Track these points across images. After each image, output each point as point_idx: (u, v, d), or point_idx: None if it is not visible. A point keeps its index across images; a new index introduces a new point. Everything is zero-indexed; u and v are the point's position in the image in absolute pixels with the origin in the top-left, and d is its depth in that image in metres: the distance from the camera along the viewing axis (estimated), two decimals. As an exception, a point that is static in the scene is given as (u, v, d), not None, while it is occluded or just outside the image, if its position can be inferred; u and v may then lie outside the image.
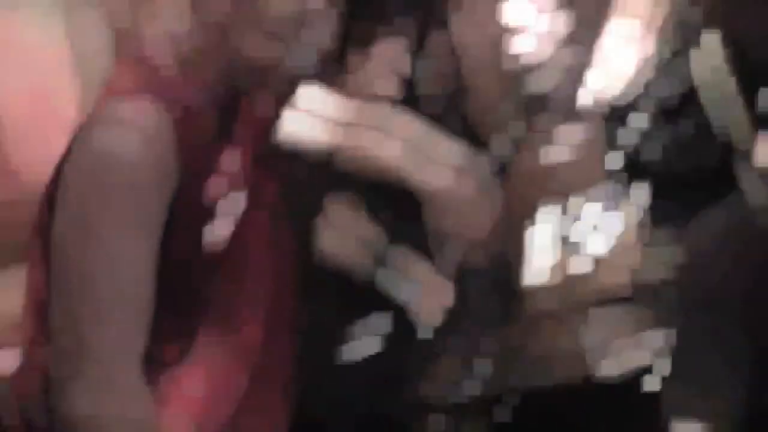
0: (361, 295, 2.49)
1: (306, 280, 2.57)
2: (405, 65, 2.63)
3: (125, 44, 1.96)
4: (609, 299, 2.99)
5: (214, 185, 1.38)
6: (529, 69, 5.05)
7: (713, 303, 1.27)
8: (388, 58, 2.60)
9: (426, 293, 2.36)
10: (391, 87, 2.60)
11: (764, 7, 2.81)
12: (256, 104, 1.45)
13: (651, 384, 2.01)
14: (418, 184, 1.44)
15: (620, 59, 3.13)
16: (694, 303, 1.34)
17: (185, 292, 1.39)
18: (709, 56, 2.85)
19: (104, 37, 1.92)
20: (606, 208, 3.50)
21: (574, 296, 3.14)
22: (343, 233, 2.39)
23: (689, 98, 3.02)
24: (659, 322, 2.00)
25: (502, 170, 3.44)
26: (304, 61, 1.33)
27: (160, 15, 1.39)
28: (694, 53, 2.86)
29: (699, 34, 2.87)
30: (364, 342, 2.49)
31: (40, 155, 1.52)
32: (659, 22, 2.92)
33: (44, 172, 1.40)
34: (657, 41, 2.99)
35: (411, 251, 2.38)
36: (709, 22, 2.83)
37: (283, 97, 1.47)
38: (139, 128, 1.27)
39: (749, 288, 1.23)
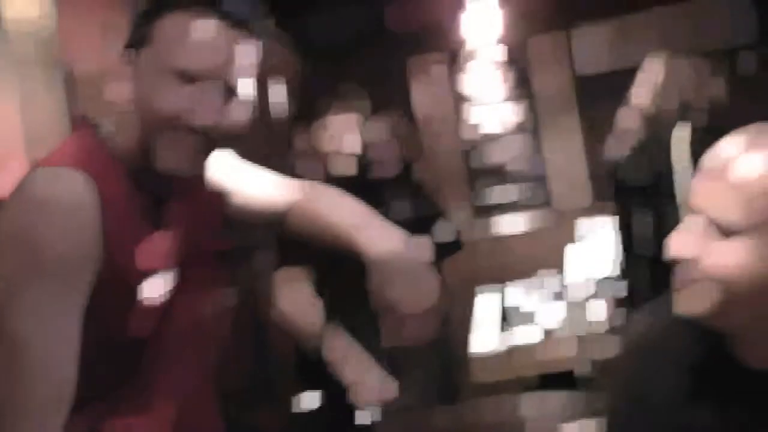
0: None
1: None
2: (356, 144, 2.67)
3: (74, 108, 1.97)
4: (552, 373, 3.05)
5: (142, 264, 1.35)
6: (486, 140, 5.18)
7: (639, 399, 1.30)
8: (341, 134, 2.64)
9: (363, 384, 2.37)
10: (347, 165, 2.64)
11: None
12: (190, 189, 1.45)
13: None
14: (367, 247, 1.44)
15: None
16: (621, 395, 1.37)
17: (106, 368, 1.36)
18: (680, 143, 3.00)
19: (58, 106, 1.91)
20: (553, 290, 3.57)
21: (519, 367, 3.19)
22: (294, 302, 2.41)
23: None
24: (595, 407, 2.02)
25: (458, 238, 3.51)
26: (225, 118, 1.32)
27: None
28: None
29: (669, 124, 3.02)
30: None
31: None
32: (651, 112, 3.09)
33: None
34: (642, 127, 3.14)
35: (353, 338, 2.39)
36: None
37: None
38: (59, 201, 1.23)
39: (671, 389, 1.27)
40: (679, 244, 1.16)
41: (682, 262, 1.16)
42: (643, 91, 3.15)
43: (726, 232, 1.10)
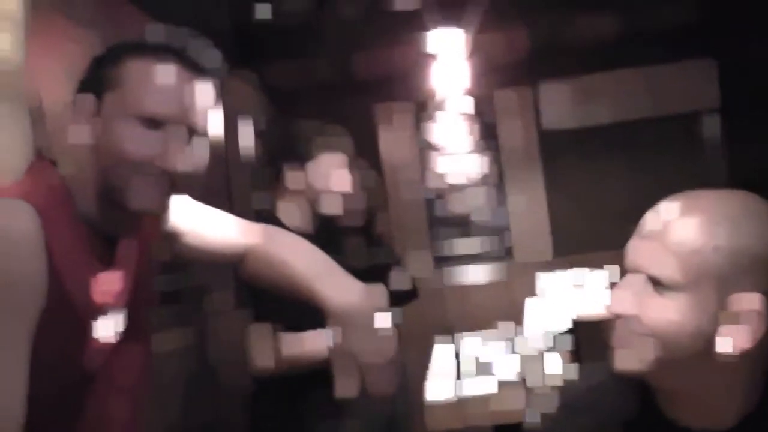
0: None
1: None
2: (347, 181, 2.65)
3: (40, 143, 1.95)
4: (505, 424, 3.07)
5: (95, 301, 1.35)
6: (450, 190, 5.22)
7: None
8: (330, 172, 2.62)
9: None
10: (335, 204, 2.62)
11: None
12: (143, 229, 1.46)
13: None
14: (327, 298, 1.44)
15: None
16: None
17: (55, 404, 1.35)
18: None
19: (22, 140, 1.89)
20: (510, 342, 3.59)
21: (471, 417, 3.20)
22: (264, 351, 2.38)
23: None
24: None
25: (414, 287, 3.53)
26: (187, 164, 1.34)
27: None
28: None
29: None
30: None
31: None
32: None
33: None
34: None
35: None
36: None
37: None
38: (2, 232, 1.22)
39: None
40: (618, 300, 1.21)
41: (621, 318, 1.20)
42: None
43: (663, 288, 1.16)
